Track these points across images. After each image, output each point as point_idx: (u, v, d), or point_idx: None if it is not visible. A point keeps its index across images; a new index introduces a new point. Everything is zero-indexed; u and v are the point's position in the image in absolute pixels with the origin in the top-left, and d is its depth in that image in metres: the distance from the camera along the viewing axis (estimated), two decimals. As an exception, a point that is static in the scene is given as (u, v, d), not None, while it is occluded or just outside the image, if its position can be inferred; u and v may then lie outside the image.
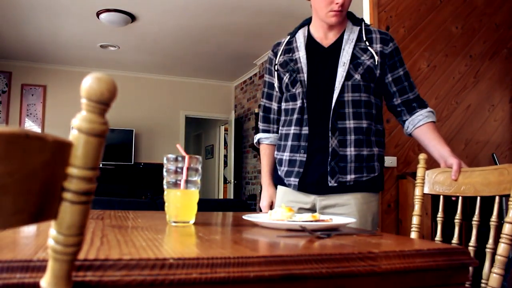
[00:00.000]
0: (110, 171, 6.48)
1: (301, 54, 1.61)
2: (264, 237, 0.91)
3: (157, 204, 3.18)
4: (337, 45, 1.59)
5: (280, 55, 1.68)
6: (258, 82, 6.54)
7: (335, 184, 1.52)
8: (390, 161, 2.95)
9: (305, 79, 1.58)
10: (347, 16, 1.64)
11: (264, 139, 1.76)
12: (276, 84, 1.69)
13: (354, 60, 1.55)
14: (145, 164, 6.92)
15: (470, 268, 1.27)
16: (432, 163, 1.54)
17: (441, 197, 1.46)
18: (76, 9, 4.51)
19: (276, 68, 1.68)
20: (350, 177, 1.52)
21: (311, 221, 1.01)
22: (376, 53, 1.56)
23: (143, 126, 7.04)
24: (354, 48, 1.56)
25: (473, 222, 1.33)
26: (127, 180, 6.50)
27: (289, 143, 1.60)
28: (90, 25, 4.96)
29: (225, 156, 8.14)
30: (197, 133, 9.76)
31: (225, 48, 5.75)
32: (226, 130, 7.99)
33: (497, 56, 3.39)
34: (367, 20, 2.95)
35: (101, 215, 1.20)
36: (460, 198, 1.40)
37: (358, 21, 1.63)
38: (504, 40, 3.43)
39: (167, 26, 4.99)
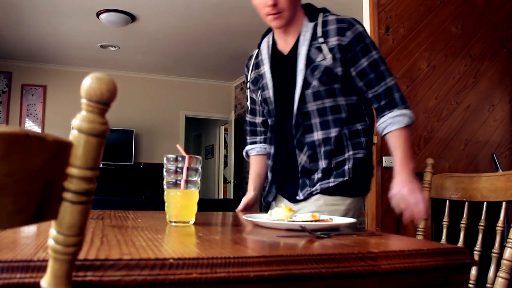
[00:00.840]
0: (110, 171, 6.47)
1: (266, 69, 1.51)
2: (264, 237, 0.91)
3: (157, 204, 3.18)
4: (295, 50, 1.42)
5: (251, 71, 1.60)
6: (258, 82, 6.54)
7: (303, 197, 1.46)
8: (390, 161, 2.94)
9: (271, 95, 1.49)
10: (305, 13, 1.44)
11: (251, 150, 1.75)
12: (255, 100, 1.65)
13: (310, 63, 1.37)
14: (145, 164, 6.92)
15: (474, 272, 1.27)
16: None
17: (447, 202, 1.45)
18: (76, 9, 4.51)
19: (248, 86, 1.65)
20: (316, 186, 1.42)
21: (311, 221, 1.01)
22: (330, 49, 1.35)
23: (143, 126, 7.04)
24: (309, 50, 1.38)
25: (479, 227, 1.33)
26: (127, 180, 6.50)
27: (269, 161, 1.61)
28: (90, 25, 4.95)
29: (225, 156, 8.13)
30: (197, 133, 9.75)
31: (225, 48, 5.75)
32: (226, 130, 7.99)
33: (496, 56, 3.39)
34: (366, 20, 2.95)
35: (101, 215, 1.20)
36: (466, 203, 1.40)
37: (314, 15, 1.41)
38: (504, 40, 3.43)
39: (167, 26, 4.98)
